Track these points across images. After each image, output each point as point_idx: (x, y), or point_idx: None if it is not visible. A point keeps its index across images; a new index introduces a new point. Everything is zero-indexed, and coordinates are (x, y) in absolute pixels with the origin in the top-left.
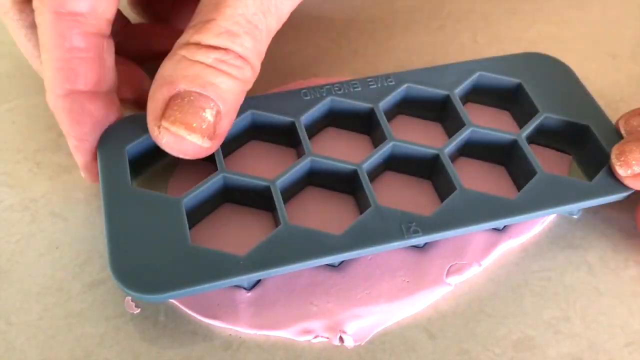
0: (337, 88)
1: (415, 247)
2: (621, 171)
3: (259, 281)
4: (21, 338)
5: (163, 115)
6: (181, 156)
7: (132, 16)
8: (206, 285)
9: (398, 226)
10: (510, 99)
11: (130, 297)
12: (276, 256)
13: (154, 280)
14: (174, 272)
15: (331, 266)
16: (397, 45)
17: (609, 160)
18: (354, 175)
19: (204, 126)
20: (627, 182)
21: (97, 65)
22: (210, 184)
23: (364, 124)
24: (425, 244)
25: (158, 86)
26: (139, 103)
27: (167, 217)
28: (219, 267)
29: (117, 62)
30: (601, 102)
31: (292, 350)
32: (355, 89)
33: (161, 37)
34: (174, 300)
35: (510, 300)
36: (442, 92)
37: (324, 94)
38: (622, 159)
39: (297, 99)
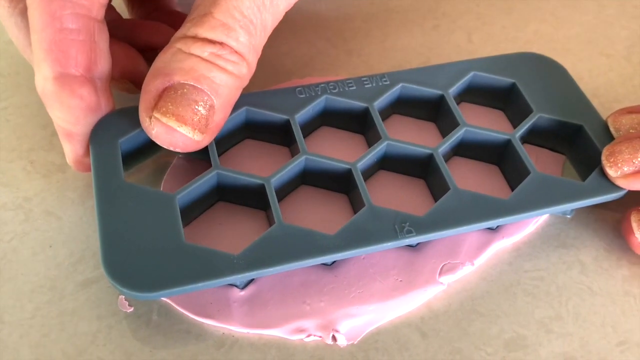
0: (332, 87)
1: (409, 246)
2: (611, 172)
3: (252, 280)
4: (14, 336)
5: (155, 106)
6: (171, 148)
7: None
8: (199, 284)
9: (392, 226)
10: (505, 99)
11: (123, 296)
12: (270, 255)
13: (147, 279)
14: (167, 270)
15: (324, 265)
16: (392, 44)
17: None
18: (348, 175)
19: (195, 119)
20: (618, 183)
21: (89, 48)
22: (205, 181)
23: (359, 123)
24: (419, 243)
25: (152, 77)
26: (135, 83)
27: (160, 213)
28: (212, 265)
29: (111, 43)
30: (595, 102)
31: (284, 349)
32: (350, 88)
33: (147, 32)
34: (167, 299)
35: (502, 299)
36: (436, 91)
37: (319, 92)
38: (612, 160)
39: (292, 97)
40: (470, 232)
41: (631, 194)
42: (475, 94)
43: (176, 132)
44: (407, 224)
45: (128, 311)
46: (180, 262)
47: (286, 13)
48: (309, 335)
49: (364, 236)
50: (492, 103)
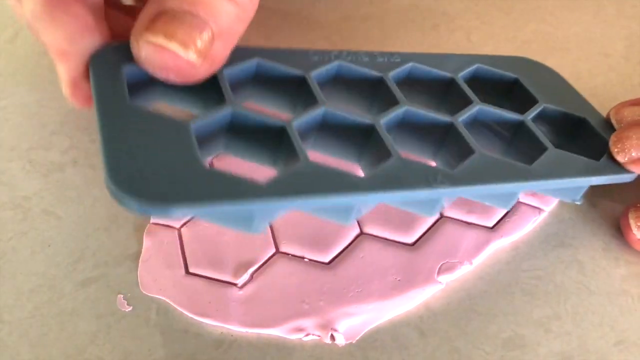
0: (345, 54)
1: (407, 245)
2: (620, 157)
3: (250, 279)
4: (13, 336)
5: (146, 28)
6: (164, 75)
7: None
8: (222, 205)
9: (423, 175)
10: (507, 94)
11: (122, 295)
12: (298, 188)
13: (160, 190)
14: (184, 185)
15: (323, 264)
16: (391, 44)
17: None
18: (370, 130)
19: (187, 37)
20: (628, 167)
21: None
22: (219, 117)
23: (370, 95)
24: (416, 242)
25: (148, 5)
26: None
27: (175, 140)
28: (236, 187)
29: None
30: (594, 102)
31: (283, 349)
32: (364, 59)
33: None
34: (166, 298)
35: (501, 298)
36: (446, 74)
37: (332, 58)
38: (619, 145)
39: (305, 59)
40: (467, 232)
41: (630, 190)
42: (479, 88)
43: (165, 49)
44: (439, 175)
45: (127, 310)
46: (199, 180)
47: (286, 12)
48: (307, 335)
49: (397, 181)
50: (495, 97)
